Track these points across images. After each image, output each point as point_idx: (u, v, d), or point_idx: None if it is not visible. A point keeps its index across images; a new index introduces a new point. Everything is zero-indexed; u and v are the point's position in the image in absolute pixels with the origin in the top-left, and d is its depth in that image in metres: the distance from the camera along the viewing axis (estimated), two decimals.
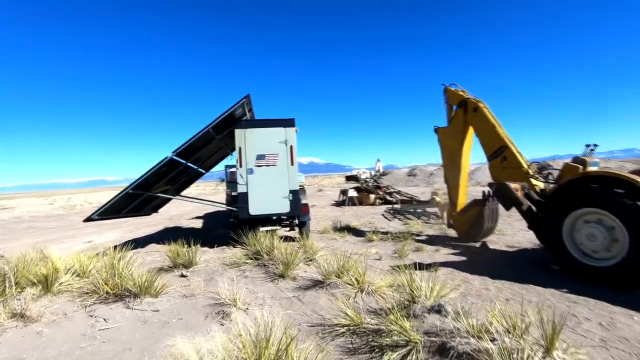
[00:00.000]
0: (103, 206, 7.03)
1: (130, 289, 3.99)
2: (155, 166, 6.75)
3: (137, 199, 8.04)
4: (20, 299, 3.78)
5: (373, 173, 20.03)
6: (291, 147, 7.27)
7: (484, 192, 6.89)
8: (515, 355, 2.25)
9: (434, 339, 2.66)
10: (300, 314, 3.61)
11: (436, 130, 7.83)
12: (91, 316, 3.68)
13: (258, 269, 5.25)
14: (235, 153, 7.33)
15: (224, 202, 11.70)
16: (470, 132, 7.14)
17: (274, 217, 7.57)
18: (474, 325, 2.60)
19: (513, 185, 5.37)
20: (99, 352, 3.00)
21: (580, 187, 4.61)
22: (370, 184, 17.56)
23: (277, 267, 5.00)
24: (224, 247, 7.08)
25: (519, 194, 5.32)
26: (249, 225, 6.81)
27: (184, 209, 18.10)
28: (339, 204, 17.23)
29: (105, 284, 4.09)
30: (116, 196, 6.91)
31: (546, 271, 4.99)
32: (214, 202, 9.82)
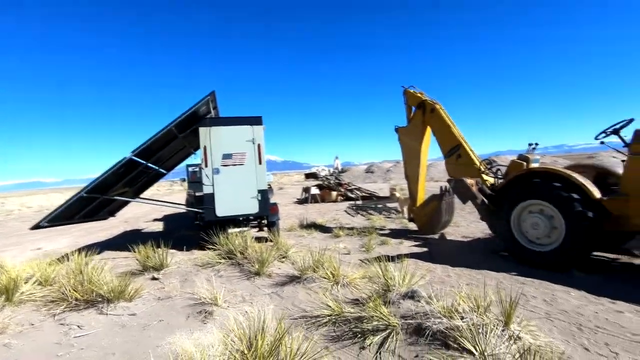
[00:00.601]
0: (53, 212, 6.51)
1: (102, 294, 3.87)
2: (113, 167, 6.41)
3: (92, 203, 7.59)
4: None
5: (332, 170, 20.45)
6: (259, 145, 7.21)
7: (441, 187, 7.43)
8: (481, 330, 2.59)
9: (410, 321, 2.95)
10: (281, 309, 3.74)
11: (397, 129, 8.29)
12: (62, 324, 3.53)
13: (232, 268, 5.28)
14: (200, 152, 7.15)
15: (185, 203, 11.38)
16: (428, 131, 7.65)
17: (242, 218, 7.52)
18: (445, 307, 2.93)
19: (469, 181, 5.90)
20: (79, 359, 2.93)
21: (525, 181, 5.20)
22: (332, 181, 17.94)
23: (252, 265, 5.08)
24: (192, 248, 6.96)
25: (474, 188, 5.86)
26: (217, 226, 6.71)
27: (140, 211, 17.25)
28: (302, 201, 17.41)
29: (74, 290, 3.93)
30: (68, 201, 6.45)
31: (498, 257, 5.57)
32: (177, 204, 9.54)
